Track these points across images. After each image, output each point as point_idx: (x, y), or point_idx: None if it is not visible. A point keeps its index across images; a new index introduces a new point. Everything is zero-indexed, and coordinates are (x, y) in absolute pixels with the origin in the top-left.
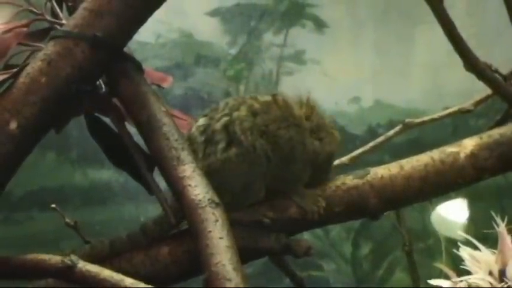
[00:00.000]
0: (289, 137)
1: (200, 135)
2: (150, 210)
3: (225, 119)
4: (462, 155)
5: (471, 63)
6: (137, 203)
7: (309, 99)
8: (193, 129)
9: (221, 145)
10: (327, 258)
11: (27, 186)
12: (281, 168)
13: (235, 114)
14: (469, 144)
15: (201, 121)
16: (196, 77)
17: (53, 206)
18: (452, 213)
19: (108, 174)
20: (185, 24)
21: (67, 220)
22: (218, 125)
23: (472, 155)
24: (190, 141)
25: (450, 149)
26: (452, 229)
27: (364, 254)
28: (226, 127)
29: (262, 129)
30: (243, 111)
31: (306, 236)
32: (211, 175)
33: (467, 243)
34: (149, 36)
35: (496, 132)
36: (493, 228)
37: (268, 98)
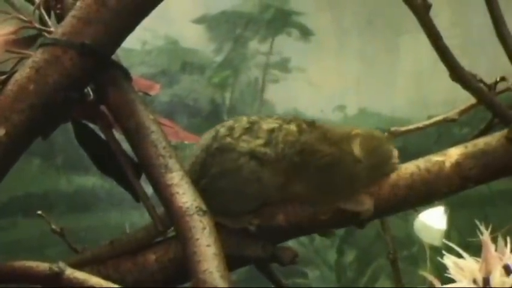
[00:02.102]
0: (326, 161)
1: (246, 123)
2: (135, 217)
3: (275, 125)
4: (447, 164)
5: (457, 73)
6: (122, 210)
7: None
8: (244, 117)
9: (259, 141)
10: (311, 265)
11: (11, 192)
12: (321, 187)
13: (285, 126)
14: (454, 153)
15: (254, 117)
16: (182, 84)
17: (39, 212)
18: (434, 220)
19: (93, 181)
20: (171, 31)
21: (53, 227)
22: (265, 126)
23: (457, 164)
24: (235, 121)
25: (436, 157)
26: (435, 237)
27: (348, 261)
28: (271, 131)
29: (303, 147)
30: (292, 126)
31: (291, 243)
32: (233, 154)
33: (450, 251)
34: (135, 43)
35: (481, 142)
36: (476, 236)
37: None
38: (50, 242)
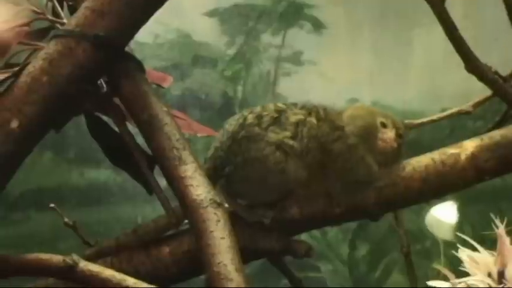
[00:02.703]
0: (339, 151)
1: (275, 112)
2: (148, 211)
3: (301, 117)
4: (463, 157)
5: (472, 64)
6: (134, 203)
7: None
8: (271, 104)
9: (287, 132)
10: (323, 259)
11: (24, 186)
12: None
13: (308, 118)
14: (469, 145)
15: (280, 104)
16: (194, 77)
17: (52, 205)
18: (445, 215)
19: (105, 174)
20: (183, 24)
21: (66, 220)
22: (293, 118)
23: (473, 157)
24: (262, 108)
25: (451, 150)
26: (445, 231)
27: (361, 256)
28: (297, 124)
29: (321, 140)
30: (313, 119)
31: (303, 237)
32: (254, 144)
33: (463, 245)
34: (147, 37)
35: (496, 134)
36: (490, 230)
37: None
38: (62, 236)
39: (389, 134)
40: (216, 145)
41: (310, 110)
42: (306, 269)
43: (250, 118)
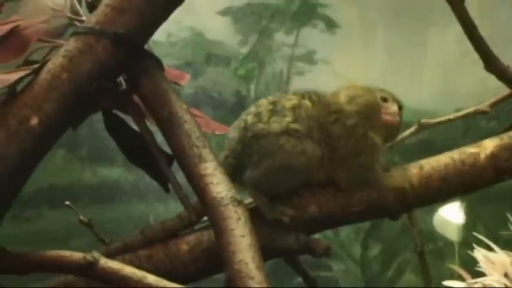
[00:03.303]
0: (338, 134)
1: (269, 104)
2: (160, 209)
3: (295, 101)
4: (482, 156)
5: (492, 64)
6: (147, 202)
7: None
8: (263, 100)
9: (288, 118)
10: (336, 258)
11: (36, 184)
12: (347, 161)
13: (303, 101)
14: (489, 145)
15: (271, 97)
16: (207, 76)
17: (67, 203)
18: (452, 215)
19: (117, 173)
20: (196, 23)
21: (81, 217)
22: (288, 104)
23: (493, 156)
24: (256, 106)
25: (470, 149)
26: (453, 231)
27: (373, 255)
28: (294, 108)
29: (320, 120)
30: (307, 102)
31: (316, 236)
32: (268, 137)
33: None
34: (160, 35)
35: None
36: (504, 229)
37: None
38: (74, 233)
39: (392, 108)
40: (226, 154)
41: (302, 94)
42: (318, 268)
43: (250, 118)
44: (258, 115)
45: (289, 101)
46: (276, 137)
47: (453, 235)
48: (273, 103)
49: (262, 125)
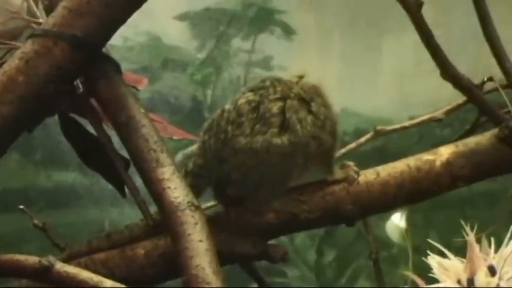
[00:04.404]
0: (334, 120)
1: (252, 112)
2: (114, 214)
3: (280, 103)
4: (438, 163)
5: (448, 71)
6: (101, 207)
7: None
8: (242, 101)
9: (274, 129)
10: (290, 265)
11: None
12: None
13: (289, 102)
14: (445, 152)
15: (250, 96)
16: (164, 81)
17: (21, 207)
18: (402, 222)
19: (72, 177)
20: (153, 27)
21: (35, 222)
22: (275, 109)
23: (448, 163)
24: (237, 112)
25: (426, 156)
26: (398, 236)
27: (328, 262)
28: (282, 112)
29: (315, 116)
30: (294, 100)
31: (271, 242)
32: (250, 154)
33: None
34: (117, 39)
35: (472, 141)
36: (456, 236)
37: (303, 81)
38: (27, 238)
39: None
40: (198, 162)
41: (287, 91)
42: (273, 275)
43: (231, 130)
44: (239, 125)
45: (274, 105)
46: (257, 153)
47: (403, 241)
48: (256, 107)
49: (243, 139)
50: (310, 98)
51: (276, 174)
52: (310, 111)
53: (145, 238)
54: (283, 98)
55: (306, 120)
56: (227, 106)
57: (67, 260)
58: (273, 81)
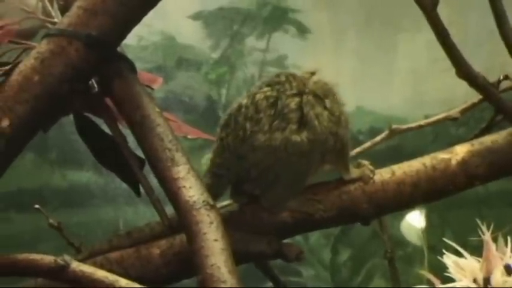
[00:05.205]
0: (347, 117)
1: (270, 107)
2: (129, 214)
3: (297, 99)
4: (454, 162)
5: (464, 70)
6: (116, 206)
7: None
8: (260, 97)
9: (293, 125)
10: (305, 264)
11: (4, 187)
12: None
13: (305, 97)
14: (460, 150)
15: (268, 91)
16: (178, 80)
17: (37, 206)
18: (416, 221)
19: (87, 176)
20: (167, 27)
21: (51, 221)
22: (292, 104)
23: (464, 162)
24: (255, 108)
25: (442, 155)
26: (416, 236)
27: (342, 261)
28: (300, 108)
29: (330, 112)
30: (310, 96)
31: (286, 241)
32: (268, 151)
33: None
34: (131, 38)
35: (487, 139)
36: (472, 236)
37: (314, 77)
38: (42, 238)
39: None
40: (217, 161)
41: (302, 87)
42: (288, 274)
43: (249, 127)
44: (257, 121)
45: (292, 100)
46: (276, 150)
47: (419, 241)
48: (274, 103)
49: (262, 136)
50: (323, 94)
51: (294, 173)
52: (325, 107)
53: (165, 236)
54: (300, 94)
55: (322, 116)
56: (244, 101)
57: (88, 258)
58: (288, 76)
